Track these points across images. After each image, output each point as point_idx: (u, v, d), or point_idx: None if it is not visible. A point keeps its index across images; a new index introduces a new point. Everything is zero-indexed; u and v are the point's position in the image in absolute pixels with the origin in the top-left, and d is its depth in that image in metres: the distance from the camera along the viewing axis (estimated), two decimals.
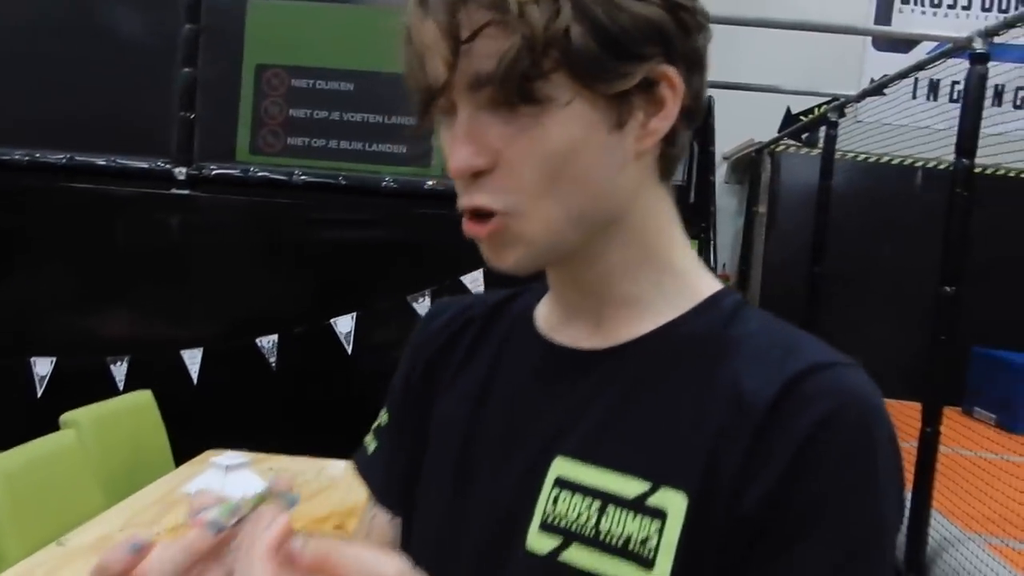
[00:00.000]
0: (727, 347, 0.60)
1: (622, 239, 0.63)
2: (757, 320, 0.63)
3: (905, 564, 3.25)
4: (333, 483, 2.51)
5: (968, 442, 3.67)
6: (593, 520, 0.58)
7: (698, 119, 0.61)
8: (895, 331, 4.28)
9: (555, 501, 0.61)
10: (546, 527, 0.60)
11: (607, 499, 0.58)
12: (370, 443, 0.79)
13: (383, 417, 0.79)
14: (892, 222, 5.55)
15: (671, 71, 0.58)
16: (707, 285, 0.65)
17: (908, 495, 3.24)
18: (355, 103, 3.58)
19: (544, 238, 0.59)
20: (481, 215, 0.59)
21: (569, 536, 0.59)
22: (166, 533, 2.03)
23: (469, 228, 0.60)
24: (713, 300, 0.64)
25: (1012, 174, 5.56)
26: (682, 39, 0.58)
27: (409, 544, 0.72)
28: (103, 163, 3.52)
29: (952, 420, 3.54)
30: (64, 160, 3.51)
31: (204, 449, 2.72)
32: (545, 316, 0.70)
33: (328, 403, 3.51)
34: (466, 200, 0.59)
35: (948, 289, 3.14)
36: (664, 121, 0.59)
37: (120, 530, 2.03)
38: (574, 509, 0.59)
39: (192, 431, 2.95)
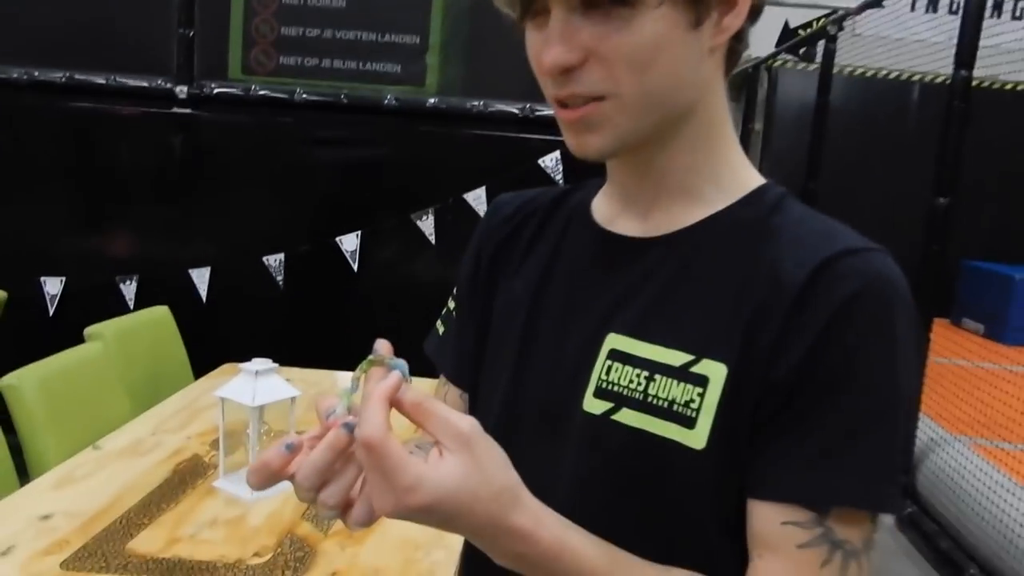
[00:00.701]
0: (768, 234, 0.66)
1: (690, 129, 0.68)
2: (797, 211, 0.69)
3: None
4: (346, 394, 2.60)
5: (957, 350, 3.79)
6: (642, 387, 0.66)
7: (759, 16, 0.67)
8: (888, 244, 4.35)
9: (608, 371, 0.68)
10: (600, 392, 0.68)
11: (655, 368, 0.66)
12: (440, 327, 0.87)
13: (451, 304, 0.87)
14: (888, 137, 5.58)
15: None
16: (753, 178, 0.72)
17: None
18: (347, 20, 3.54)
19: (628, 123, 0.64)
20: (570, 105, 0.65)
21: (621, 400, 0.67)
22: (196, 437, 2.12)
23: (561, 114, 0.65)
24: (758, 192, 0.70)
25: (1008, 87, 5.56)
26: None
27: (475, 411, 0.80)
28: (103, 81, 3.51)
29: (941, 330, 3.65)
30: (64, 78, 3.50)
31: (218, 363, 2.80)
32: (601, 208, 0.76)
33: (336, 318, 3.59)
34: (560, 91, 0.64)
35: (941, 200, 3.21)
36: (737, 19, 0.64)
37: (151, 434, 2.12)
38: (625, 377, 0.67)
39: (204, 346, 3.02)
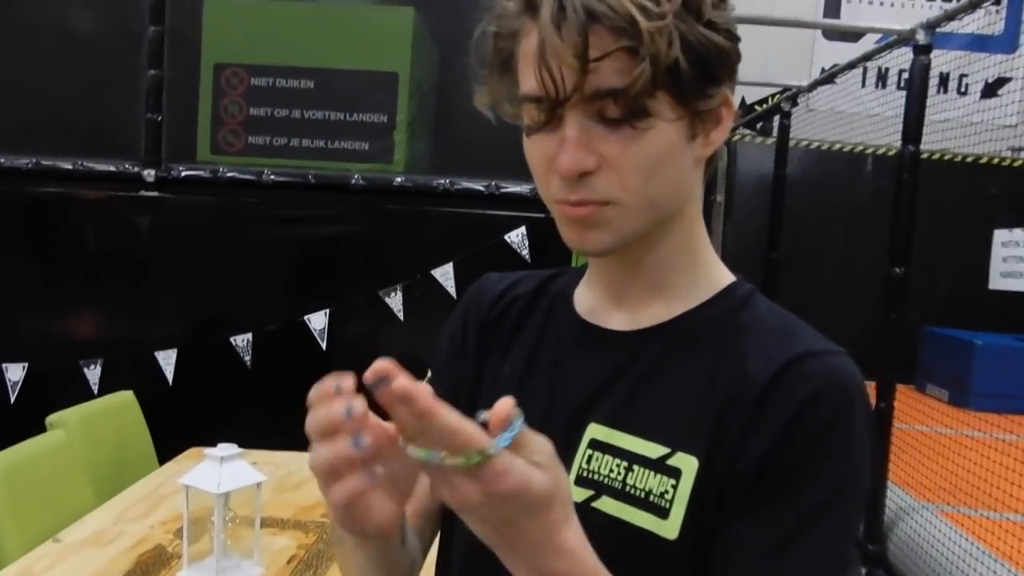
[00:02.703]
0: (736, 331, 0.72)
1: (675, 231, 0.74)
2: (763, 307, 0.75)
3: (865, 534, 3.40)
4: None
5: (922, 417, 3.84)
6: (621, 476, 0.70)
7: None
8: (849, 313, 4.42)
9: (588, 460, 0.72)
10: (581, 481, 0.72)
11: (633, 459, 0.70)
12: None
13: (428, 375, 0.89)
14: (844, 208, 5.72)
15: (729, 93, 0.70)
16: (724, 276, 0.77)
17: None
18: (315, 100, 3.61)
19: (629, 225, 0.69)
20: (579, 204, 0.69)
21: (600, 488, 0.71)
22: (159, 526, 2.09)
23: (569, 211, 0.69)
24: (729, 290, 0.76)
25: (958, 159, 5.75)
26: (736, 67, 0.70)
27: None
28: (70, 167, 3.53)
29: (906, 397, 3.70)
30: (30, 164, 3.52)
31: (184, 446, 2.77)
32: (583, 299, 0.81)
33: (304, 397, 3.54)
34: (571, 195, 0.68)
35: (897, 270, 3.28)
36: (722, 134, 0.71)
37: (114, 524, 2.08)
38: (606, 466, 0.71)
39: (170, 429, 2.98)
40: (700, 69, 0.65)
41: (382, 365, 0.51)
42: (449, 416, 0.51)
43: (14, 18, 3.55)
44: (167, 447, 2.85)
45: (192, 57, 3.56)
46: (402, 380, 0.51)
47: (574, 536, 0.58)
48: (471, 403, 0.83)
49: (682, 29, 0.63)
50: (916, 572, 3.08)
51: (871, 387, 3.27)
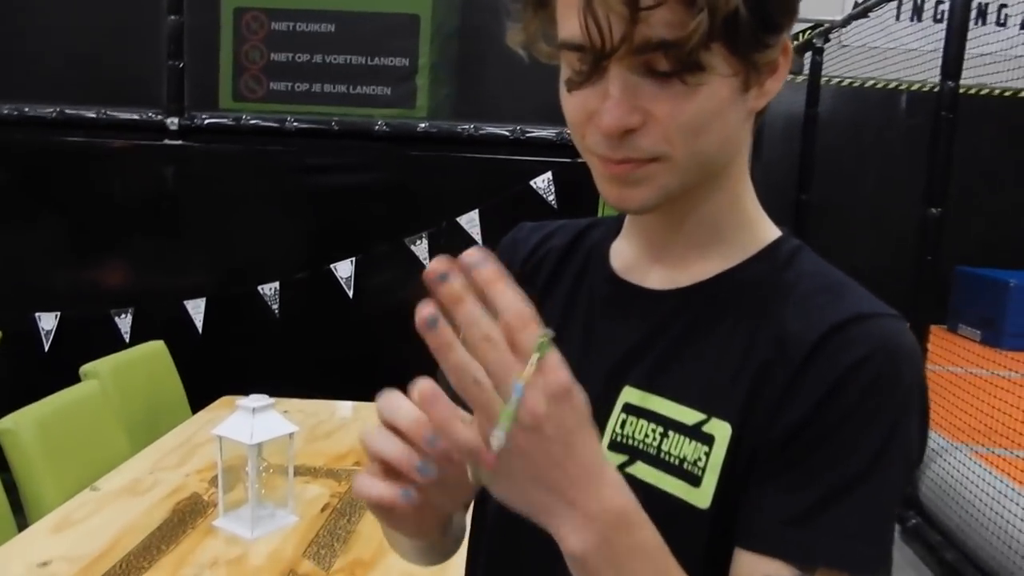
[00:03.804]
0: (779, 291, 0.67)
1: (721, 187, 0.69)
2: (809, 265, 0.69)
3: None
4: (345, 423, 2.60)
5: (954, 358, 3.79)
6: (657, 442, 0.67)
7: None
8: (881, 254, 4.36)
9: (623, 424, 0.69)
10: (614, 445, 0.69)
11: (669, 424, 0.66)
12: None
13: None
14: (877, 147, 5.61)
15: (787, 39, 0.64)
16: (770, 231, 0.72)
17: None
18: (336, 45, 3.55)
19: (673, 181, 0.64)
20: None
21: (635, 454, 0.67)
22: (194, 475, 2.11)
23: (610, 168, 0.64)
24: (773, 247, 0.71)
25: (996, 93, 5.60)
26: (796, 7, 0.63)
27: None
28: (94, 115, 3.51)
29: (937, 338, 3.66)
30: (54, 114, 3.51)
31: (216, 396, 2.80)
32: (620, 255, 0.77)
33: (332, 346, 3.58)
34: (614, 152, 0.63)
35: (934, 211, 3.22)
36: (778, 82, 0.65)
37: (150, 473, 2.11)
38: (640, 431, 0.68)
39: (201, 378, 3.01)
40: (760, 17, 0.59)
41: (440, 264, 0.49)
42: (510, 293, 0.49)
43: None
44: (198, 395, 2.88)
45: (212, 2, 3.51)
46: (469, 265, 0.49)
47: (632, 499, 0.55)
48: None
49: None
50: (948, 512, 3.08)
51: None
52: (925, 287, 3.30)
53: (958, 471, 3.10)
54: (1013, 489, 2.81)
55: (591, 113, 0.62)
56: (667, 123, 0.61)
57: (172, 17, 3.47)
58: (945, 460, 3.24)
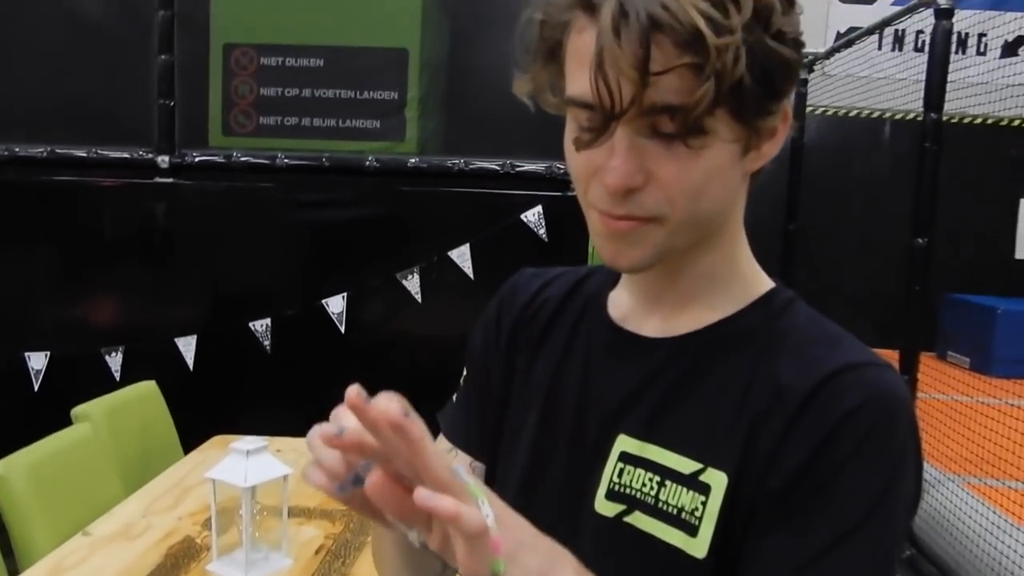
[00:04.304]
0: (773, 341, 0.69)
1: (717, 244, 0.71)
2: (802, 316, 0.71)
3: None
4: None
5: (943, 386, 3.81)
6: (654, 491, 0.68)
7: None
8: (870, 281, 4.39)
9: (620, 473, 0.70)
10: (612, 495, 0.70)
11: (666, 474, 0.68)
12: (454, 401, 0.89)
13: (464, 378, 0.89)
14: (863, 175, 5.66)
15: (788, 105, 0.66)
16: (763, 283, 0.74)
17: None
18: (326, 79, 3.58)
19: (669, 242, 0.66)
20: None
21: (633, 503, 0.69)
22: (187, 518, 2.10)
23: (610, 224, 0.66)
24: (767, 298, 0.73)
25: (978, 120, 5.66)
26: (798, 76, 0.66)
27: (493, 483, 0.80)
28: (84, 154, 3.52)
29: (926, 365, 3.67)
30: (45, 153, 3.51)
31: (208, 434, 2.78)
32: (617, 304, 0.78)
33: (324, 382, 3.55)
34: (616, 209, 0.65)
35: (920, 240, 3.24)
36: (775, 146, 0.67)
37: (142, 516, 2.10)
38: (638, 480, 0.69)
39: (193, 416, 3.00)
40: (764, 86, 0.61)
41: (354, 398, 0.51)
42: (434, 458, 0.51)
43: (25, 7, 3.52)
44: (189, 433, 2.87)
45: (202, 39, 3.54)
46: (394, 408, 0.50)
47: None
48: (502, 404, 0.82)
49: (749, 43, 0.58)
50: (943, 545, 3.08)
51: (892, 355, 3.26)
52: (913, 315, 3.32)
53: (951, 502, 3.11)
54: (1006, 520, 2.82)
55: (596, 169, 0.64)
56: (670, 185, 0.63)
57: (162, 56, 3.49)
58: (938, 491, 3.24)
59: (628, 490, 0.69)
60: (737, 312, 0.72)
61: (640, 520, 0.68)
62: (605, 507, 0.70)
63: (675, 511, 0.66)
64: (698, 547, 0.65)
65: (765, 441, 0.64)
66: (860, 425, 0.62)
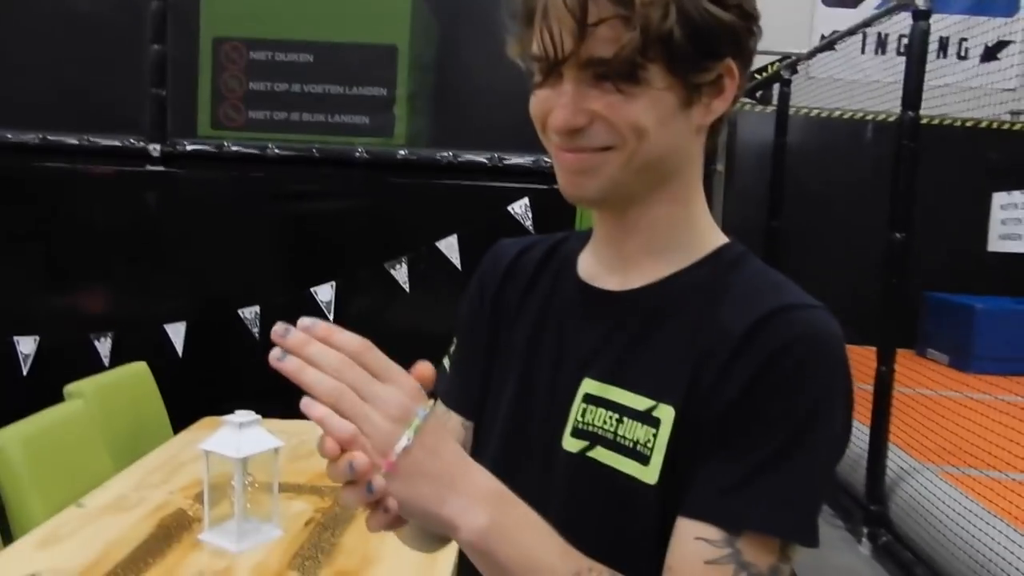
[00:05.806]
0: (722, 290, 0.75)
1: (671, 192, 0.77)
2: (752, 269, 0.77)
3: (867, 495, 3.46)
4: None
5: (923, 380, 3.88)
6: (613, 427, 0.74)
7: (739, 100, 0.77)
8: (851, 279, 4.47)
9: (583, 413, 0.77)
10: (577, 432, 0.77)
11: (623, 411, 0.74)
12: (446, 362, 0.96)
13: (453, 345, 0.96)
14: (845, 175, 5.74)
15: (734, 66, 0.72)
16: (717, 239, 0.80)
17: (867, 432, 3.43)
18: (315, 74, 3.60)
19: (622, 175, 0.72)
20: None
21: (595, 439, 0.75)
22: (179, 492, 2.14)
23: (565, 158, 0.73)
24: (718, 252, 0.79)
25: (958, 123, 5.77)
26: (745, 42, 0.72)
27: (478, 442, 0.88)
28: (76, 142, 3.54)
29: (907, 361, 3.74)
30: (36, 140, 3.54)
31: (197, 417, 2.81)
32: (585, 263, 0.85)
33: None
34: (568, 144, 0.72)
35: (898, 235, 3.32)
36: (723, 104, 0.74)
37: (134, 490, 2.13)
38: (599, 418, 0.76)
39: (182, 401, 3.03)
40: (697, 42, 0.68)
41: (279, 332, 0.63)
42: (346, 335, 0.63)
43: None
44: (179, 417, 2.90)
45: (193, 31, 3.57)
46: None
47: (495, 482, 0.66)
48: (488, 365, 0.89)
49: (682, 2, 0.66)
50: (918, 531, 3.15)
51: (872, 352, 3.33)
52: (892, 311, 3.40)
53: (927, 489, 3.17)
54: (980, 507, 2.89)
55: (550, 111, 0.72)
56: (611, 119, 0.70)
57: (155, 46, 3.52)
58: (914, 480, 3.31)
59: (591, 428, 0.76)
60: (691, 265, 0.78)
61: (601, 454, 0.74)
62: (571, 444, 0.77)
63: (631, 444, 0.73)
64: (650, 474, 0.71)
65: (706, 377, 0.70)
66: (788, 360, 0.68)
